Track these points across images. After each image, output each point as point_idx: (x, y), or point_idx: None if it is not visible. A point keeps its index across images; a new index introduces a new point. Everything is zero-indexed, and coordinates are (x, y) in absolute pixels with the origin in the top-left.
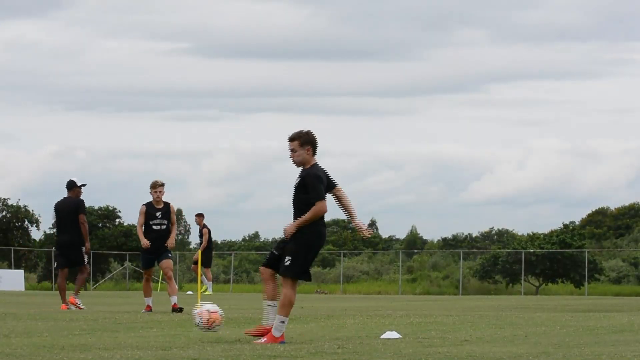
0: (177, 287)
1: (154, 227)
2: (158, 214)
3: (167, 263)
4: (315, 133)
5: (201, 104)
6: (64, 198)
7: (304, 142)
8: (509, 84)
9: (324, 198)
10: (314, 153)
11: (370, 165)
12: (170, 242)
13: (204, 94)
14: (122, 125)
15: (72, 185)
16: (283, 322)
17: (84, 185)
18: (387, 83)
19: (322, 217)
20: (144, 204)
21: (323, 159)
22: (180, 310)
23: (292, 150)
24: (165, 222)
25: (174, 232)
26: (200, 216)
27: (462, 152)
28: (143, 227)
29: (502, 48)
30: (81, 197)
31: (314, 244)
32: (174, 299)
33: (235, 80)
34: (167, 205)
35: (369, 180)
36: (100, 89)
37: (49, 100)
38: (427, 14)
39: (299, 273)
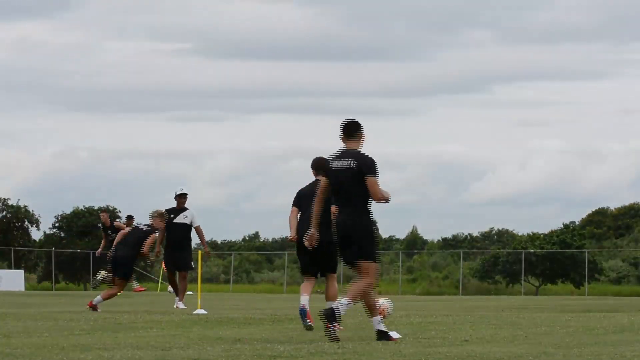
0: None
1: None
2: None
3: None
4: (323, 154)
5: (204, 105)
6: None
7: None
8: (513, 85)
9: (293, 205)
10: (316, 175)
11: None
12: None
13: (206, 94)
14: (125, 125)
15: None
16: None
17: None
18: (392, 83)
19: (305, 219)
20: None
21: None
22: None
23: None
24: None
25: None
26: (130, 219)
27: (464, 153)
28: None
29: (507, 49)
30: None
31: (299, 245)
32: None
33: (239, 81)
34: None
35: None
36: (103, 89)
37: (52, 101)
38: (433, 15)
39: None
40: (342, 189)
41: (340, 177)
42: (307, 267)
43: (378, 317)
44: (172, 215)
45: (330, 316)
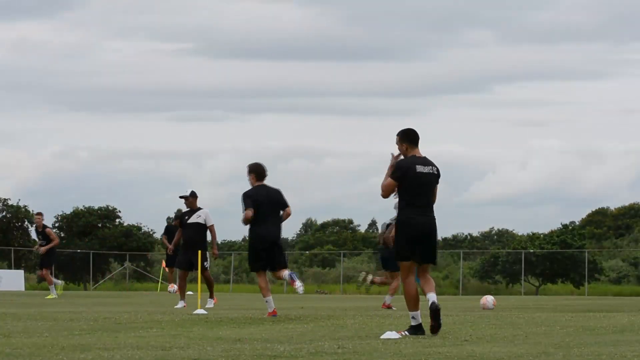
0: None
1: None
2: None
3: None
4: (261, 164)
5: (204, 105)
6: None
7: (248, 170)
8: (513, 85)
9: (247, 207)
10: (256, 179)
11: (373, 165)
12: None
13: (206, 94)
14: (125, 125)
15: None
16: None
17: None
18: (392, 83)
19: (262, 222)
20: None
21: (326, 159)
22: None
23: None
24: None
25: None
26: (39, 215)
27: (464, 152)
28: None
29: (507, 49)
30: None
31: (251, 245)
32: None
33: (239, 81)
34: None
35: (371, 181)
36: (103, 89)
37: (52, 101)
38: (433, 15)
39: (251, 267)
40: (425, 191)
41: (428, 180)
42: (259, 264)
43: (418, 312)
44: (186, 217)
45: (437, 314)
